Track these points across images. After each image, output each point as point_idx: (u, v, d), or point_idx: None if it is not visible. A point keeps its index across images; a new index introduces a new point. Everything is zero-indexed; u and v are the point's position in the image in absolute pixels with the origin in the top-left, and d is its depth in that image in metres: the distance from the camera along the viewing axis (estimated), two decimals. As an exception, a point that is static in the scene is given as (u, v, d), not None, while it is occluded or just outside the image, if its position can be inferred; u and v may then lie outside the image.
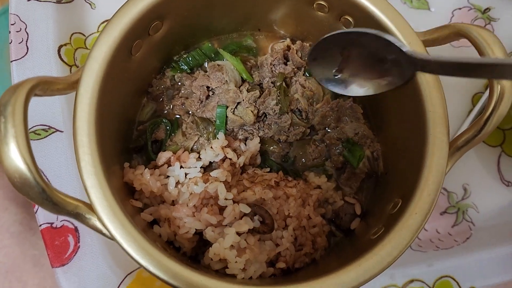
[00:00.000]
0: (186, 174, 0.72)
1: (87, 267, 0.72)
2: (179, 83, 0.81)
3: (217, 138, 0.75)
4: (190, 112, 0.79)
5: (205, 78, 0.78)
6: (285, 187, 0.72)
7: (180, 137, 0.78)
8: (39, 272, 0.77)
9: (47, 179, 0.74)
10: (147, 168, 0.70)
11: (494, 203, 0.90)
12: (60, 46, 0.80)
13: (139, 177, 0.69)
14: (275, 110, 0.76)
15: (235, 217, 0.67)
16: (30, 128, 0.74)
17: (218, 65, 0.79)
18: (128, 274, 0.74)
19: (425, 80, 0.64)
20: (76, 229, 0.73)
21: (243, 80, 0.80)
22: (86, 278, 0.71)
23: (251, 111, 0.75)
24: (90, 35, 0.86)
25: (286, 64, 0.81)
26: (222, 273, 0.65)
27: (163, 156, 0.73)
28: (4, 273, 0.76)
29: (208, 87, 0.78)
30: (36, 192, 0.49)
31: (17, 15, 0.79)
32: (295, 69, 0.81)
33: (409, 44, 0.65)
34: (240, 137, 0.78)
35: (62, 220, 0.73)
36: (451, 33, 0.64)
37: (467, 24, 0.61)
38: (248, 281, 0.63)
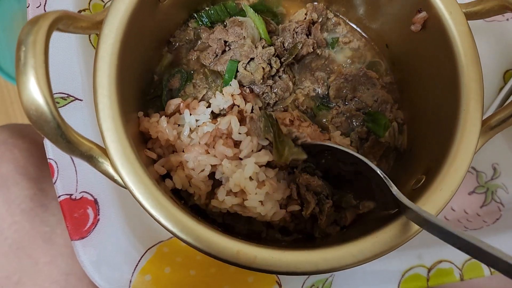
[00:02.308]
0: (196, 121, 0.70)
1: (106, 240, 0.70)
2: (196, 35, 0.79)
3: (230, 85, 0.73)
4: (204, 64, 0.77)
5: (223, 31, 0.76)
6: (299, 126, 0.71)
7: (192, 88, 0.76)
8: (50, 250, 0.76)
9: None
10: (163, 116, 0.68)
11: (525, 184, 0.87)
12: (79, 12, 0.77)
13: (155, 124, 0.67)
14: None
15: (252, 150, 0.66)
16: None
17: (239, 20, 0.76)
18: (149, 249, 0.73)
19: (463, 53, 0.61)
20: (95, 201, 0.72)
21: (260, 40, 0.77)
22: (105, 252, 0.70)
23: (263, 68, 0.73)
24: (109, 1, 0.83)
25: (308, 37, 0.79)
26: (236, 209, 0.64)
27: (172, 104, 0.71)
28: (14, 250, 0.75)
29: (225, 42, 0.76)
30: (52, 127, 0.48)
31: (34, -22, 0.76)
32: (315, 44, 0.79)
33: (449, 14, 0.62)
34: (255, 90, 0.76)
35: (81, 192, 0.71)
36: (496, 6, 0.61)
37: (516, -4, 0.58)
38: (252, 241, 0.61)
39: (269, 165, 0.66)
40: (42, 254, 0.75)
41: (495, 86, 0.90)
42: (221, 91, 0.73)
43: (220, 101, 0.71)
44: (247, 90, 0.74)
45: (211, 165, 0.66)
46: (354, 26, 0.83)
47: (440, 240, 0.76)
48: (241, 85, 0.75)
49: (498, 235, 0.78)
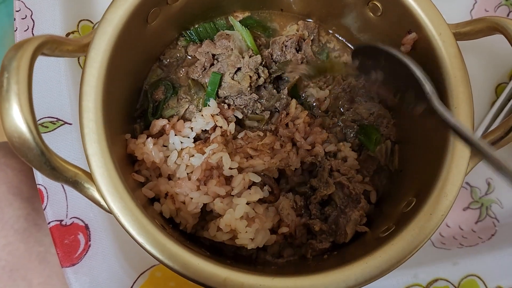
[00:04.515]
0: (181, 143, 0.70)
1: (98, 267, 0.70)
2: (186, 53, 0.79)
3: (208, 105, 0.72)
4: (192, 78, 0.77)
5: (211, 44, 0.75)
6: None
7: (175, 101, 0.76)
8: (44, 270, 0.75)
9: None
10: (150, 138, 0.67)
11: (519, 199, 0.86)
12: (68, 34, 0.77)
13: (141, 145, 0.66)
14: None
15: (244, 187, 0.66)
16: (37, 121, 0.71)
17: (226, 34, 0.76)
18: (141, 274, 0.72)
19: (453, 74, 0.61)
20: (86, 227, 0.71)
21: (248, 50, 0.77)
22: (97, 279, 0.69)
23: (250, 76, 0.73)
24: (98, 23, 0.82)
25: (297, 51, 0.79)
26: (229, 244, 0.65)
27: (157, 124, 0.71)
28: (8, 272, 0.74)
29: (213, 55, 0.76)
30: (35, 154, 0.47)
31: (22, 2, 0.76)
32: (305, 60, 0.79)
33: (439, 35, 0.62)
34: (237, 103, 0.75)
35: (71, 218, 0.71)
36: (486, 27, 0.60)
37: (505, 18, 0.58)
38: (241, 266, 0.60)
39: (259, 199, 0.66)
40: (37, 274, 0.74)
41: (487, 100, 0.89)
42: (203, 104, 0.73)
43: (201, 123, 0.70)
44: (225, 106, 0.73)
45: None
46: (346, 43, 0.83)
47: (436, 259, 0.78)
48: (226, 97, 0.74)
49: (494, 252, 0.78)
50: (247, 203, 0.64)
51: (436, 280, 0.75)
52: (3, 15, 1.39)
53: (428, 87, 0.56)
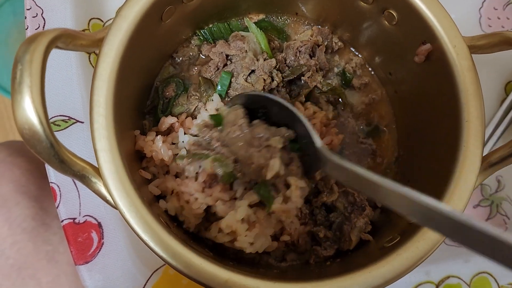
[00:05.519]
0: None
1: (111, 264, 0.70)
2: (200, 52, 0.79)
3: (212, 100, 0.72)
4: (205, 78, 0.77)
5: (225, 45, 0.75)
6: None
7: (185, 99, 0.76)
8: (53, 269, 0.75)
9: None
10: (159, 135, 0.67)
11: (529, 196, 0.86)
12: None
13: (150, 143, 0.66)
14: None
15: (245, 188, 0.65)
16: (49, 119, 0.71)
17: (241, 35, 0.76)
18: (154, 272, 0.72)
19: (465, 88, 0.60)
20: (99, 225, 0.71)
21: (262, 53, 0.77)
22: (111, 276, 0.69)
23: (264, 79, 0.73)
24: (108, 20, 0.82)
25: (311, 57, 0.78)
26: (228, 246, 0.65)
27: (166, 122, 0.70)
28: (17, 270, 0.74)
29: (227, 56, 0.76)
30: (44, 147, 0.47)
31: (33, 0, 0.75)
32: (318, 66, 0.79)
33: (453, 47, 0.61)
34: None
35: (85, 216, 0.71)
36: (501, 41, 0.59)
37: (521, 33, 0.57)
38: (244, 268, 0.60)
39: (261, 203, 0.66)
40: (45, 273, 0.74)
41: (497, 98, 0.89)
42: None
43: (206, 117, 0.70)
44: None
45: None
46: (359, 55, 0.83)
47: (447, 256, 0.78)
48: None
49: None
50: (249, 206, 0.64)
51: (448, 278, 0.76)
52: (8, 14, 1.38)
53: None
